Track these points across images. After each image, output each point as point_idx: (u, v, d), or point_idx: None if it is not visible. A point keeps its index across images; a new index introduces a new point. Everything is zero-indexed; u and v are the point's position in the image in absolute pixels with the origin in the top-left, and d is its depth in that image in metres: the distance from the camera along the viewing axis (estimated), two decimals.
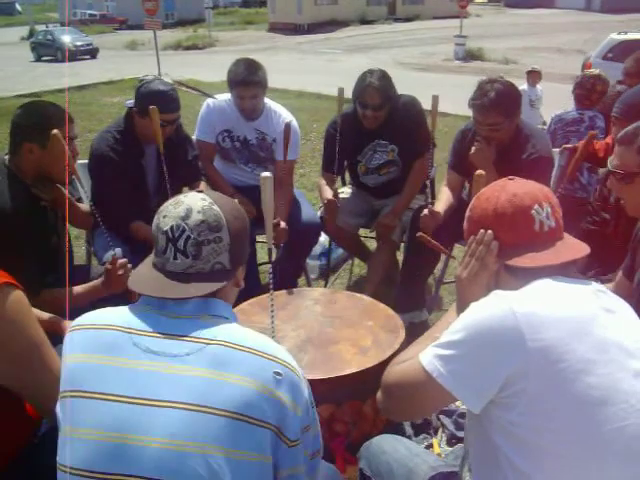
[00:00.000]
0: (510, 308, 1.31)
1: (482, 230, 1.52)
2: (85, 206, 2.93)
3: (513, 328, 1.28)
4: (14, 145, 2.43)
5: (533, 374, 1.26)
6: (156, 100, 3.07)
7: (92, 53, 27.66)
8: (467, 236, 1.59)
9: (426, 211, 3.18)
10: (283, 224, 3.28)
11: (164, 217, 1.38)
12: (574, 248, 1.50)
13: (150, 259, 1.44)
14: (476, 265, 1.54)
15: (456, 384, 1.32)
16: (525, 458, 1.29)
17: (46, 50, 27.92)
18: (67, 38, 27.62)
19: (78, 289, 2.46)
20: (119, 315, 1.35)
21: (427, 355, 1.37)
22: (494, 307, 1.34)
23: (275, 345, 1.34)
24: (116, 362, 1.26)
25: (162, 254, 1.37)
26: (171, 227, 1.36)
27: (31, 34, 41.11)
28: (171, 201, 1.42)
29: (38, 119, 2.42)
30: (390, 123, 3.58)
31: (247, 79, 3.43)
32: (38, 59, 27.59)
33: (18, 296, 1.50)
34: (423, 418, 1.56)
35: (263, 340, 1.33)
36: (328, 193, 3.58)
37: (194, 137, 3.68)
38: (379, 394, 1.52)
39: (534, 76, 7.97)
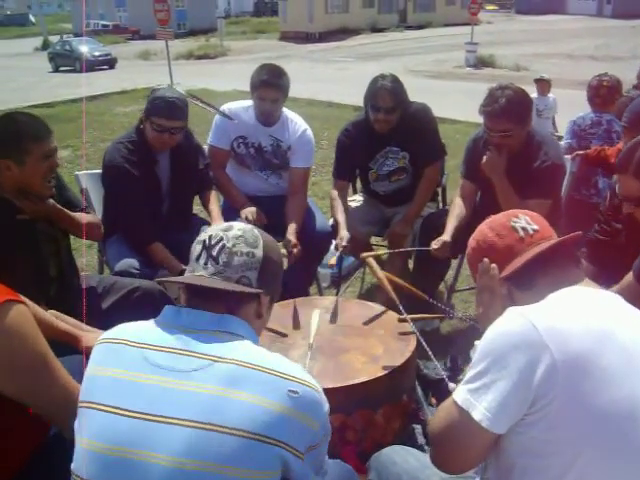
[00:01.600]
0: (529, 322, 1.29)
1: (479, 263, 1.57)
2: (89, 216, 2.83)
3: (537, 342, 1.26)
4: None
5: (560, 387, 1.24)
6: (157, 105, 3.10)
7: (110, 63, 27.43)
8: (474, 280, 1.65)
9: (435, 245, 3.16)
10: (296, 249, 3.30)
11: (206, 231, 1.45)
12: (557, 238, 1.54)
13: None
14: (486, 295, 1.56)
15: (492, 417, 1.28)
16: (544, 474, 1.28)
17: (64, 60, 27.77)
18: (84, 48, 27.50)
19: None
20: (137, 330, 1.37)
21: (460, 392, 1.36)
22: (512, 324, 1.32)
23: (289, 363, 1.33)
24: (124, 375, 1.28)
25: (195, 261, 1.42)
26: (209, 236, 1.42)
27: (45, 45, 41.45)
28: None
29: (11, 135, 2.32)
30: (402, 129, 3.59)
31: (270, 81, 3.46)
32: (56, 69, 27.47)
33: (21, 311, 1.50)
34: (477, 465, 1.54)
35: (277, 359, 1.33)
36: (343, 230, 3.46)
37: (207, 143, 3.70)
38: (431, 449, 1.51)
39: (542, 85, 7.81)
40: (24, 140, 2.31)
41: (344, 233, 3.41)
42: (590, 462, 1.25)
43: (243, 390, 1.23)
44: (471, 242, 1.64)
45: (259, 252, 1.42)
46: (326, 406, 1.34)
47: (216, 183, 3.62)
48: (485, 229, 1.60)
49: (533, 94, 7.53)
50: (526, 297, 1.46)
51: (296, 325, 2.64)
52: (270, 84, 3.47)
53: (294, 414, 1.24)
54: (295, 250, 3.28)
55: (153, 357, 1.28)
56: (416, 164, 3.72)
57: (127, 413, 1.23)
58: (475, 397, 1.31)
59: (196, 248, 1.43)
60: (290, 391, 1.25)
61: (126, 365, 1.29)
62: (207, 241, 1.41)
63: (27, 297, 1.77)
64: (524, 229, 1.52)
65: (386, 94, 3.46)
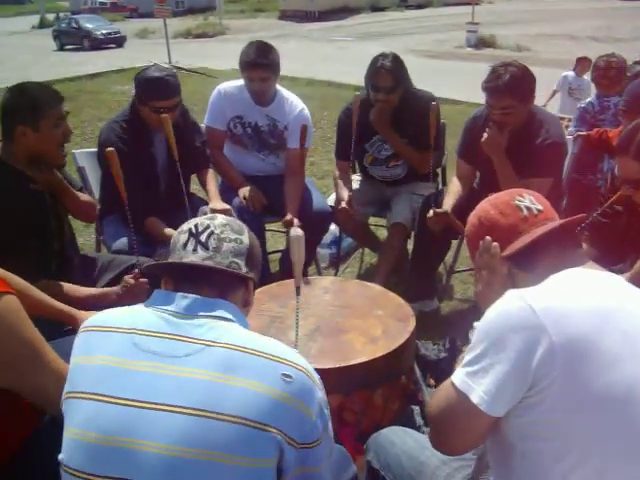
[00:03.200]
0: (527, 304, 1.27)
1: (481, 242, 1.54)
2: (86, 196, 2.84)
3: (535, 325, 1.24)
4: (6, 130, 2.38)
5: (559, 370, 1.22)
6: (151, 87, 3.06)
7: (119, 41, 26.67)
8: (472, 257, 1.61)
9: (431, 212, 3.15)
10: (296, 222, 3.27)
11: (189, 222, 1.44)
12: (563, 220, 1.51)
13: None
14: (486, 274, 1.54)
15: (490, 400, 1.27)
16: (543, 458, 1.26)
17: (70, 38, 27.12)
18: (91, 25, 26.82)
19: (87, 291, 2.39)
20: (124, 316, 1.34)
21: (458, 375, 1.34)
22: (510, 306, 1.30)
23: (284, 347, 1.31)
24: (112, 362, 1.25)
25: (182, 249, 1.40)
26: (195, 224, 1.42)
27: (42, 23, 41.12)
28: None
29: (29, 101, 2.36)
30: (404, 114, 3.55)
31: (257, 61, 3.39)
32: (61, 48, 26.86)
33: (8, 301, 1.48)
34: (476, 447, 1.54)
35: (271, 342, 1.31)
36: (344, 195, 3.52)
37: (203, 124, 3.66)
38: (429, 430, 1.49)
39: (583, 64, 7.35)
40: (39, 105, 2.35)
41: (345, 196, 3.47)
42: (588, 445, 1.24)
43: (238, 375, 1.21)
44: (472, 219, 1.60)
45: (246, 239, 1.44)
46: (319, 393, 1.30)
47: (214, 163, 3.58)
48: (488, 206, 1.56)
49: (569, 72, 7.32)
50: (527, 277, 1.44)
51: (295, 306, 2.62)
52: (258, 64, 3.39)
53: (289, 400, 1.22)
54: (294, 221, 3.25)
55: (144, 343, 1.26)
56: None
57: (117, 401, 1.20)
58: (473, 380, 1.29)
59: (181, 237, 1.41)
60: (284, 375, 1.23)
61: (114, 352, 1.26)
62: (193, 229, 1.41)
63: (29, 269, 1.76)
64: (528, 208, 1.49)
65: (386, 74, 3.42)
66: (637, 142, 2.15)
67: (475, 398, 1.28)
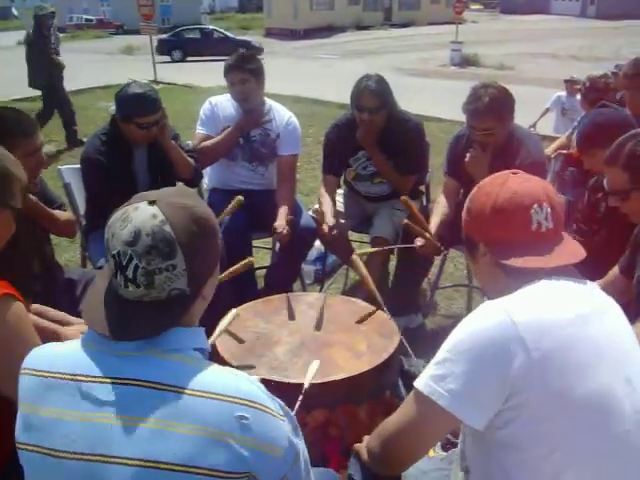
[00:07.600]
0: (509, 318, 1.29)
1: (479, 245, 1.51)
2: (66, 214, 2.81)
3: (515, 339, 1.26)
4: None
5: (537, 383, 1.25)
6: (134, 104, 3.09)
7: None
8: (465, 227, 1.56)
9: (418, 242, 3.16)
10: (286, 229, 3.29)
11: (112, 236, 1.21)
12: (570, 252, 1.46)
13: (109, 273, 1.27)
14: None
15: (457, 403, 1.28)
16: (524, 470, 1.29)
17: (216, 49, 26.38)
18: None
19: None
20: (67, 356, 1.23)
21: (422, 379, 1.34)
22: (491, 318, 1.31)
23: (239, 384, 1.18)
24: (60, 415, 1.17)
25: (114, 277, 1.22)
26: (117, 252, 1.19)
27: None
28: (119, 214, 1.23)
29: (1, 130, 2.30)
30: (390, 136, 3.58)
31: (236, 64, 3.49)
32: (183, 59, 26.89)
33: (18, 307, 1.49)
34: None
35: (225, 379, 1.19)
36: (329, 219, 3.50)
37: (196, 133, 3.68)
38: (374, 457, 1.47)
39: (571, 85, 7.53)
40: (12, 136, 2.29)
41: (329, 219, 3.45)
42: (566, 455, 1.27)
43: (183, 422, 1.12)
44: (482, 197, 1.51)
45: (180, 260, 1.19)
46: (284, 424, 1.19)
47: (206, 154, 3.57)
48: (503, 199, 1.46)
49: (562, 92, 7.42)
50: (505, 280, 1.45)
51: (280, 322, 2.64)
52: (236, 67, 3.48)
53: (245, 441, 1.12)
54: (284, 232, 3.25)
55: (90, 391, 1.16)
56: (400, 173, 3.70)
57: (69, 455, 1.15)
58: (437, 383, 1.30)
59: (110, 260, 1.22)
60: (239, 417, 1.13)
61: (61, 403, 1.17)
62: (117, 258, 1.19)
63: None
64: (539, 223, 1.43)
65: (370, 95, 3.44)
66: (626, 152, 2.19)
67: (439, 399, 1.29)
